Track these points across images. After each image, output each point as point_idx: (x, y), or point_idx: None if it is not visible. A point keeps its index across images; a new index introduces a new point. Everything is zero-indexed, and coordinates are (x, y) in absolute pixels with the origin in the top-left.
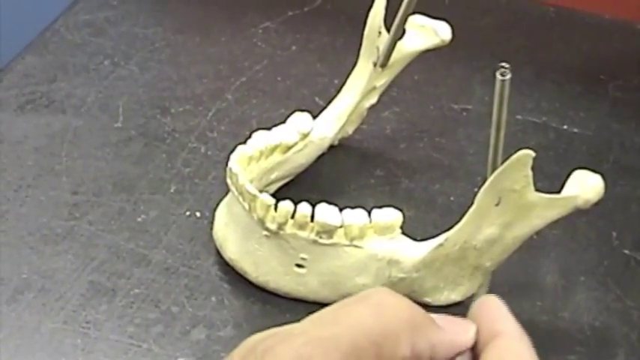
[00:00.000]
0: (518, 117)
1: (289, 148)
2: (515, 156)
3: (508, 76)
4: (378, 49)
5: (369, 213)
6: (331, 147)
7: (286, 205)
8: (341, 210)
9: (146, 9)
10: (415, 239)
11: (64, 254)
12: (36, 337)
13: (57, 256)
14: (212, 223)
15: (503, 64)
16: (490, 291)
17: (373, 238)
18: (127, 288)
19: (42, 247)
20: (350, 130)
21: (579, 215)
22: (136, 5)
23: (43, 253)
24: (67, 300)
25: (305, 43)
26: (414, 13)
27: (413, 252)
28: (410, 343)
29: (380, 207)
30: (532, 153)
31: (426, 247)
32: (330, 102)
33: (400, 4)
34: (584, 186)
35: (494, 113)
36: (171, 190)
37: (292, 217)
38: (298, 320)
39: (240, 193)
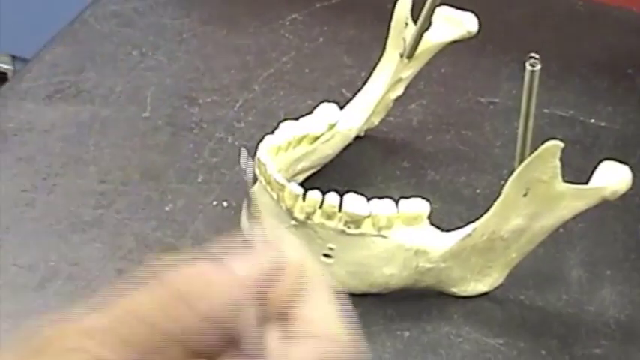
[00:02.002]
0: (546, 110)
1: (316, 138)
2: (543, 147)
3: (538, 67)
4: (404, 40)
5: (397, 203)
6: (357, 138)
7: (314, 195)
8: (368, 200)
9: (174, 0)
10: (441, 230)
11: (92, 242)
12: None
13: (85, 244)
14: (239, 213)
15: (533, 54)
16: (517, 283)
17: (401, 228)
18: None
19: (70, 235)
20: (376, 121)
21: (605, 208)
22: None
23: (71, 241)
24: (94, 287)
25: (332, 35)
26: (441, 4)
27: (440, 242)
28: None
29: (406, 198)
30: (560, 144)
31: (454, 238)
32: (356, 93)
33: None
34: (612, 177)
35: (523, 103)
36: (199, 180)
37: (320, 207)
38: None
39: (269, 183)
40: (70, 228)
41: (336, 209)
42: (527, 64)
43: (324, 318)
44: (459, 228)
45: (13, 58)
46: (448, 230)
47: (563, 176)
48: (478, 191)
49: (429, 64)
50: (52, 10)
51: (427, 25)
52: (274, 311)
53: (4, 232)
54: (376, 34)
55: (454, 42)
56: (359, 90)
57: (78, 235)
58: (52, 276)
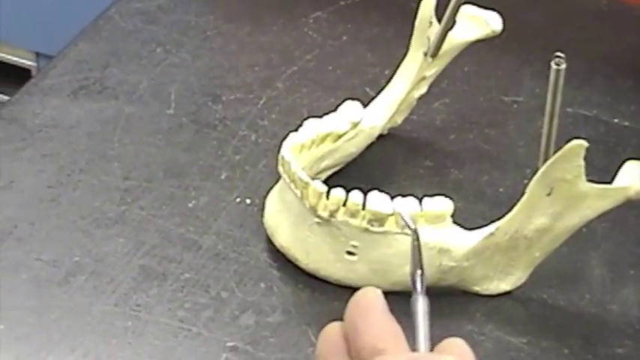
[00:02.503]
0: (569, 110)
1: (340, 136)
2: (567, 146)
3: (563, 66)
4: (428, 39)
5: (420, 201)
6: (380, 136)
7: (338, 193)
8: (392, 198)
9: None
10: (464, 229)
11: (116, 238)
12: (87, 319)
13: (108, 239)
14: (262, 210)
15: (559, 53)
16: (539, 282)
17: (424, 226)
18: (177, 272)
19: (94, 230)
20: (399, 119)
21: (629, 208)
22: None
23: (95, 236)
24: (118, 283)
25: (356, 33)
26: (465, 3)
27: (463, 241)
28: None
29: (429, 197)
30: (585, 143)
31: (477, 236)
32: (380, 92)
33: None
34: (637, 177)
35: (547, 103)
36: (222, 177)
37: (344, 204)
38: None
39: (292, 181)
40: (94, 224)
41: (360, 207)
42: (552, 63)
43: None
44: (482, 227)
45: (37, 54)
46: (471, 229)
47: (587, 176)
48: (501, 190)
49: (452, 62)
50: (75, 7)
51: (451, 24)
52: None
53: (29, 227)
54: (400, 33)
55: (478, 41)
56: (382, 88)
57: (102, 230)
58: (75, 271)
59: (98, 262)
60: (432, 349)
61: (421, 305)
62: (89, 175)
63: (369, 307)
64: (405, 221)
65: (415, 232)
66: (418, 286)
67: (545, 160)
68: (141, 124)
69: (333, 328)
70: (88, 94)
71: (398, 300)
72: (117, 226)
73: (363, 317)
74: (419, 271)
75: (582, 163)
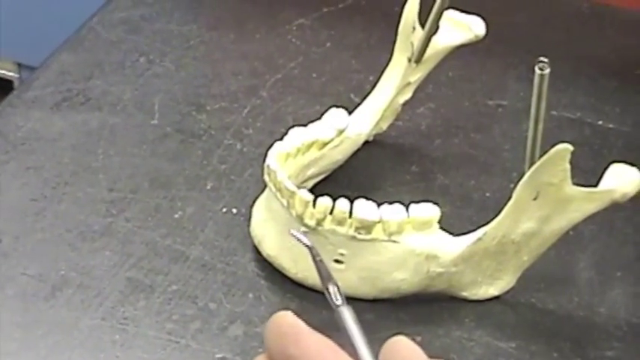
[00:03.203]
0: (554, 113)
1: (325, 144)
2: (553, 150)
3: (547, 71)
4: (412, 44)
5: (407, 208)
6: (366, 143)
7: (325, 202)
8: (378, 205)
9: (181, 6)
10: (451, 234)
11: (102, 251)
12: (74, 334)
13: (95, 252)
14: (248, 219)
15: (542, 58)
16: (528, 287)
17: (411, 233)
18: (164, 284)
19: (80, 243)
20: (384, 125)
21: (615, 210)
22: (171, 3)
23: (81, 249)
24: (105, 296)
25: (340, 40)
26: (448, 8)
27: (451, 247)
28: None
29: (416, 203)
30: (570, 147)
31: (465, 242)
32: (364, 98)
33: (435, 0)
34: (622, 179)
35: (532, 107)
36: (208, 187)
37: (331, 213)
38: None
39: (279, 190)
40: (79, 237)
41: (347, 215)
42: (536, 68)
43: None
44: (469, 232)
45: (19, 66)
46: (459, 234)
47: (572, 178)
48: (488, 194)
49: (437, 67)
50: (57, 18)
51: (435, 29)
52: None
53: (14, 241)
54: (384, 38)
55: (461, 46)
56: (367, 94)
57: (88, 243)
58: (62, 285)
59: (84, 275)
60: (377, 354)
61: (348, 315)
62: (74, 188)
63: (296, 332)
64: (299, 239)
65: (312, 249)
66: (336, 299)
67: (531, 164)
68: (125, 135)
69: None
70: (71, 105)
71: (386, 307)
72: (103, 238)
73: (295, 343)
74: (331, 286)
75: (568, 166)
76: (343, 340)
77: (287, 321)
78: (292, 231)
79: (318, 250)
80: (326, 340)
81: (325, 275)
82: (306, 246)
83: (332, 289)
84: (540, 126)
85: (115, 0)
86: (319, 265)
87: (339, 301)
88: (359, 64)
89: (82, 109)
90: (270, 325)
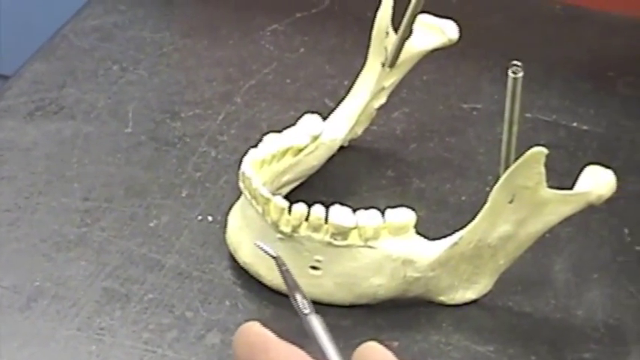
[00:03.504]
0: (528, 115)
1: (300, 150)
2: (528, 153)
3: (520, 74)
4: (386, 49)
5: (383, 213)
6: (341, 148)
7: (300, 208)
8: (354, 211)
9: (154, 13)
10: (428, 239)
11: (77, 261)
12: (51, 345)
13: (70, 262)
14: (224, 227)
15: (516, 62)
16: (505, 290)
17: (387, 238)
18: (140, 293)
19: (54, 254)
20: (359, 130)
21: (591, 212)
22: (143, 10)
23: (56, 260)
24: (80, 307)
25: (313, 45)
26: (421, 12)
27: (427, 251)
28: None
29: (392, 207)
30: (545, 150)
31: (441, 246)
32: (339, 103)
33: (408, 4)
34: (597, 181)
35: (506, 111)
36: (183, 195)
37: (306, 219)
38: None
39: (254, 197)
40: (54, 247)
41: (322, 221)
42: (509, 72)
43: None
44: (445, 236)
45: None
46: (435, 238)
47: (548, 181)
48: (464, 198)
49: (411, 71)
50: (29, 27)
51: (408, 34)
52: None
53: None
54: (357, 43)
55: (435, 50)
56: (342, 100)
57: (63, 253)
58: (37, 296)
59: (60, 285)
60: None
61: (317, 323)
62: (48, 198)
63: (265, 341)
64: (264, 250)
65: (277, 259)
66: (303, 307)
67: (506, 167)
68: (99, 144)
69: None
70: (44, 114)
71: (363, 313)
72: (78, 248)
73: (263, 353)
74: (297, 294)
75: (543, 169)
76: (313, 349)
77: (255, 331)
78: (257, 242)
79: (295, 257)
80: (294, 349)
81: (292, 284)
82: (271, 256)
83: (299, 297)
84: (515, 129)
85: (87, 8)
86: (285, 274)
87: (307, 310)
88: (333, 69)
89: (56, 118)
90: (238, 336)
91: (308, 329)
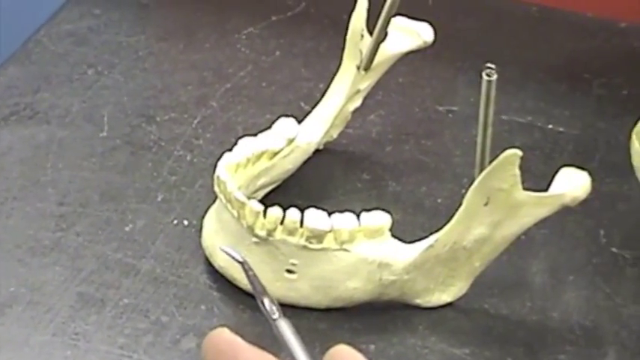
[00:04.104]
0: (504, 117)
1: (276, 154)
2: (502, 155)
3: (494, 77)
4: (360, 52)
5: (358, 217)
6: (317, 151)
7: (275, 212)
8: (330, 214)
9: (129, 17)
10: (404, 242)
11: (52, 266)
12: (25, 351)
13: (45, 268)
14: (200, 231)
15: (489, 64)
16: (481, 292)
17: (363, 241)
18: (116, 298)
19: (29, 259)
20: (335, 134)
21: (567, 214)
22: (118, 13)
23: (31, 265)
24: (55, 312)
25: (289, 48)
26: (396, 15)
27: (403, 254)
28: None
29: (368, 210)
30: (519, 152)
31: (416, 249)
32: (315, 106)
33: (382, 7)
34: (572, 183)
35: (480, 113)
36: (158, 199)
37: (281, 223)
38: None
39: (229, 201)
40: (29, 252)
41: (298, 225)
42: (483, 74)
43: None
44: (421, 238)
45: None
46: (411, 241)
47: (523, 182)
48: (439, 201)
49: (386, 74)
50: (3, 31)
51: (383, 36)
52: None
53: None
54: (333, 46)
55: (410, 52)
56: (317, 102)
57: (37, 259)
58: (12, 302)
59: (35, 291)
60: None
61: (286, 327)
62: (23, 203)
63: (234, 348)
64: (230, 255)
65: (243, 264)
66: (272, 312)
67: (481, 170)
68: (74, 149)
69: None
70: (19, 119)
71: (340, 316)
72: (53, 253)
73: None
74: (265, 299)
75: (518, 172)
76: (284, 353)
77: (224, 338)
78: (222, 247)
79: (270, 261)
80: (265, 355)
81: (259, 289)
82: (238, 261)
83: (267, 302)
84: (489, 132)
85: (61, 12)
86: (252, 279)
87: (275, 315)
88: (309, 72)
89: (30, 123)
90: (206, 343)
91: (277, 334)
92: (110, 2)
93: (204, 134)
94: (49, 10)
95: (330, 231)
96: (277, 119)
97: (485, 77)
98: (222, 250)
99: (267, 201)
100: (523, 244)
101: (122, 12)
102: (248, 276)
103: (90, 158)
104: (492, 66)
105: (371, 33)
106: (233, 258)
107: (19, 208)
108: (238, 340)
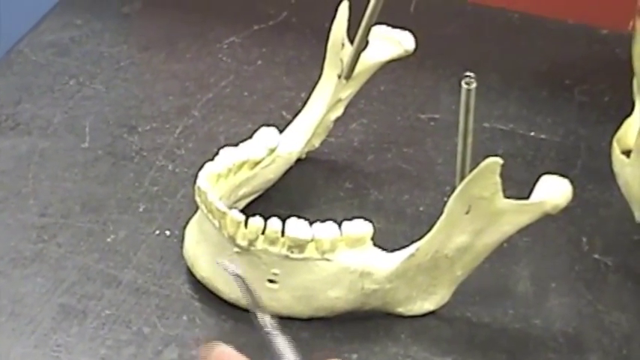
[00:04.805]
0: (486, 125)
1: (257, 163)
2: (483, 164)
3: (473, 85)
4: (341, 61)
5: (340, 226)
6: (299, 160)
7: (256, 222)
8: (311, 224)
9: (111, 28)
10: (386, 250)
11: (34, 277)
12: None
13: (26, 279)
14: (182, 241)
15: (469, 73)
16: (463, 300)
17: (344, 250)
18: (97, 310)
19: (11, 270)
20: (317, 143)
21: (549, 221)
22: (100, 24)
23: (12, 276)
24: (37, 324)
25: (271, 57)
26: (377, 23)
27: (385, 263)
28: None
29: (350, 219)
30: (500, 160)
31: (398, 258)
32: (296, 115)
33: (363, 16)
34: (553, 191)
35: (460, 122)
36: (140, 210)
37: (263, 232)
38: None
39: (210, 211)
40: (10, 264)
41: (279, 234)
42: (462, 83)
43: None
44: (403, 247)
45: None
46: (393, 250)
47: (505, 190)
48: (422, 209)
49: (368, 82)
50: None
51: (364, 45)
52: None
53: None
54: (315, 55)
55: (391, 61)
56: (299, 112)
57: (19, 270)
58: None
59: (16, 302)
60: None
61: (281, 340)
62: (4, 214)
63: None
64: (226, 270)
65: (239, 277)
66: (266, 326)
67: (462, 178)
68: (56, 159)
69: None
70: (0, 130)
71: (322, 325)
72: (34, 264)
73: None
74: (261, 313)
75: (498, 180)
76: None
77: (219, 350)
78: (219, 260)
79: (252, 271)
80: None
81: (256, 303)
82: (234, 275)
83: (262, 316)
84: (469, 140)
85: (43, 23)
86: (248, 293)
87: (268, 328)
88: (290, 81)
89: (12, 134)
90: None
91: (271, 347)
92: (92, 13)
93: (185, 144)
94: (31, 21)
95: (311, 240)
96: (259, 129)
97: (464, 86)
98: (218, 264)
99: (248, 211)
100: (505, 251)
101: (104, 22)
102: (245, 289)
103: (71, 169)
104: (471, 74)
105: (352, 42)
106: (228, 272)
107: (0, 220)
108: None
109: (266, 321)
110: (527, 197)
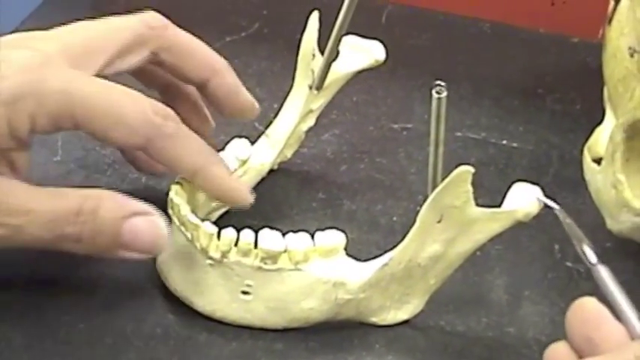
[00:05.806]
0: (458, 134)
1: None
2: (454, 172)
3: (444, 94)
4: (312, 71)
5: (313, 236)
6: (271, 171)
7: (229, 233)
8: (284, 235)
9: None
10: (359, 260)
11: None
12: None
13: None
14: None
15: (439, 81)
16: (437, 309)
17: (318, 261)
18: (71, 323)
19: None
20: (289, 154)
21: (521, 229)
22: None
23: None
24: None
25: (244, 69)
26: (347, 33)
27: (358, 273)
28: None
29: (323, 230)
30: (471, 169)
31: (371, 268)
32: (269, 126)
33: (333, 26)
34: (524, 199)
35: (431, 131)
36: None
37: (236, 244)
38: (245, 348)
39: (183, 224)
40: None
41: (252, 246)
42: (433, 92)
43: None
44: (377, 257)
45: None
46: (367, 260)
47: (478, 198)
48: (395, 219)
49: (340, 92)
50: None
51: (334, 56)
52: None
53: None
54: (287, 66)
55: (363, 70)
56: (271, 123)
57: None
58: None
59: None
60: None
61: (605, 273)
62: None
63: (599, 317)
64: (544, 203)
65: (560, 212)
66: (590, 258)
67: (434, 187)
68: (28, 173)
69: (559, 349)
70: None
71: (296, 336)
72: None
73: (596, 328)
74: (585, 246)
75: (470, 188)
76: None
77: (591, 306)
78: (538, 196)
79: (225, 283)
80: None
81: (578, 236)
82: (552, 207)
83: (586, 249)
84: (441, 149)
85: (27, 22)
86: (570, 226)
87: (594, 260)
88: (263, 92)
89: None
90: (573, 309)
91: (597, 280)
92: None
93: None
94: (15, 21)
95: (284, 251)
96: (231, 140)
97: (435, 94)
98: (538, 200)
99: (221, 222)
100: (478, 260)
101: None
102: (565, 223)
103: (44, 183)
104: (442, 83)
105: (323, 52)
106: (547, 206)
107: None
108: (604, 309)
109: (591, 254)
110: (500, 205)
